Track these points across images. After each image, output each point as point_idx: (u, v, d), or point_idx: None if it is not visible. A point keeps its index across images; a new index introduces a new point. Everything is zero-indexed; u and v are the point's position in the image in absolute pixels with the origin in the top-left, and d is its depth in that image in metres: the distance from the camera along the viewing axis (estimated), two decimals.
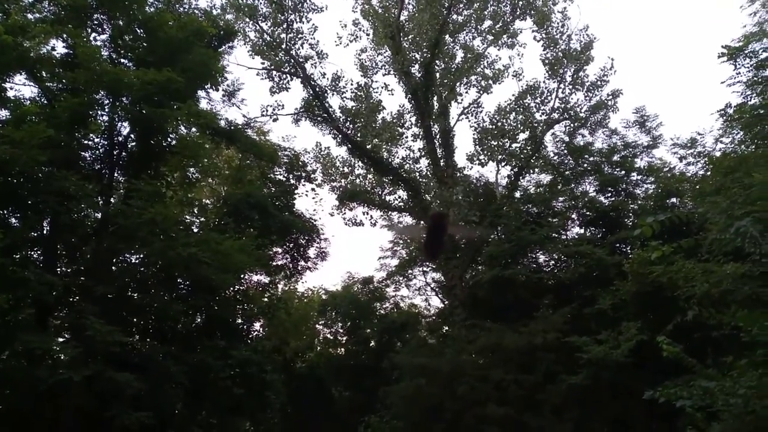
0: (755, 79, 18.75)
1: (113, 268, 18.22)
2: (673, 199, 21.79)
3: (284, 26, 25.34)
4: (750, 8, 20.05)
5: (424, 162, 26.31)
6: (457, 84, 26.24)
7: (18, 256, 16.08)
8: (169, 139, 19.03)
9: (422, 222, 26.75)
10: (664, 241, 11.73)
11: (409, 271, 30.20)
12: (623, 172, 23.07)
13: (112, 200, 18.34)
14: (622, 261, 18.58)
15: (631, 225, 21.25)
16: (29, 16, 17.35)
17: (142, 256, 18.28)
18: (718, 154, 20.30)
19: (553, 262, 23.57)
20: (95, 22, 18.15)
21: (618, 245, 21.31)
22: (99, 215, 17.90)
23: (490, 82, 26.43)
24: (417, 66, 25.71)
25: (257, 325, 24.76)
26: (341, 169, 27.02)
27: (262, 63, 25.80)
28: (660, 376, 12.74)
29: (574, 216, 23.66)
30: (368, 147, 26.12)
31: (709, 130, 21.28)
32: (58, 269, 17.50)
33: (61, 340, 16.47)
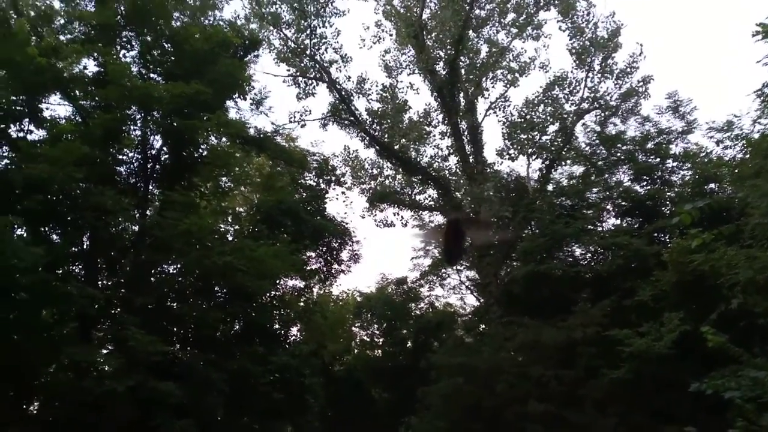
0: None
1: (152, 279, 18.63)
2: (712, 185, 21.13)
3: (308, 32, 25.55)
4: None
5: (453, 159, 26.21)
6: (483, 79, 26.04)
7: (60, 271, 16.55)
8: (200, 150, 19.40)
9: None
10: (703, 229, 11.39)
11: (443, 270, 30.06)
12: (658, 159, 22.47)
13: (147, 213, 18.77)
14: (661, 251, 18.10)
15: (669, 213, 20.70)
16: (61, 37, 17.89)
17: (179, 266, 18.64)
18: (756, 136, 19.61)
19: (589, 254, 23.08)
20: (124, 39, 18.61)
21: (656, 235, 20.77)
22: (136, 228, 18.34)
23: (517, 75, 26.16)
24: (441, 63, 25.61)
25: (294, 330, 25.03)
26: (370, 171, 27.10)
27: (288, 70, 26.11)
28: (705, 368, 12.38)
29: (609, 207, 23.13)
30: (396, 147, 26.13)
31: (746, 112, 20.55)
32: (99, 282, 17.97)
33: (104, 351, 16.92)
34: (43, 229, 16.69)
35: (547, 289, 20.76)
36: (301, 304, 24.79)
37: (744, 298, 12.37)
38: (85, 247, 17.52)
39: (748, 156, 19.29)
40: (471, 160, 25.25)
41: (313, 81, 26.25)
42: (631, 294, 18.35)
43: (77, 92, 17.93)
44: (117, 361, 14.89)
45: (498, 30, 26.23)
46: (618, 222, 23.09)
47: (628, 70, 24.76)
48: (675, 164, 22.60)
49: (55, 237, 17.04)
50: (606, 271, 20.43)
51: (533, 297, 21.20)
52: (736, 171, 19.36)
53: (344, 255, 26.21)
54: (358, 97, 26.26)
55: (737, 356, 11.19)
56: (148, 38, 18.65)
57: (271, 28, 25.29)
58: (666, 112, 22.91)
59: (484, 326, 24.82)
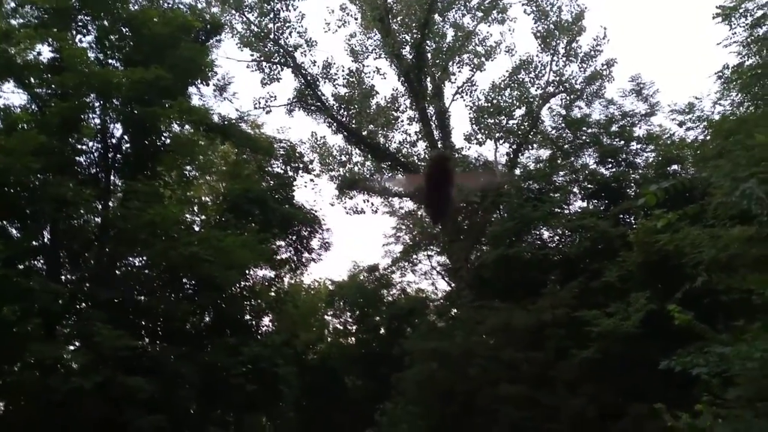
0: (751, 38, 18.47)
1: (117, 272, 18.17)
2: (675, 166, 21.57)
3: (271, 16, 25.00)
4: None
5: (421, 145, 26.11)
6: (450, 63, 25.95)
7: (21, 266, 16.00)
8: (163, 138, 18.91)
9: (424, 205, 26.65)
10: (668, 209, 11.58)
11: (414, 256, 30.11)
12: (622, 142, 22.83)
13: (110, 204, 18.24)
14: (626, 232, 18.43)
15: (634, 195, 21.07)
16: (12, 21, 17.11)
17: (144, 258, 18.21)
18: (717, 117, 20.05)
19: (557, 237, 23.39)
20: (79, 24, 17.95)
21: (622, 216, 21.13)
22: (98, 220, 17.80)
23: (483, 59, 26.14)
24: (408, 48, 25.42)
25: (266, 320, 24.79)
26: (338, 157, 26.83)
27: (252, 55, 25.52)
28: (672, 345, 12.64)
29: (575, 190, 23.45)
30: (364, 133, 25.92)
31: (707, 94, 21.03)
32: (63, 277, 17.45)
33: (70, 348, 16.46)
34: (0, 223, 16.07)
35: (517, 272, 20.98)
36: (272, 294, 24.53)
37: (708, 276, 12.64)
38: (46, 240, 16.95)
39: (709, 137, 19.73)
40: (439, 145, 25.21)
41: (278, 66, 25.78)
42: (599, 275, 18.66)
43: (32, 79, 17.23)
44: (84, 357, 14.52)
45: (464, 14, 26.14)
46: (584, 204, 23.43)
47: (592, 53, 25.01)
48: (639, 146, 22.99)
49: (14, 231, 16.42)
50: (574, 253, 20.73)
51: (503, 281, 21.41)
52: (699, 152, 19.78)
53: (314, 243, 26.03)
54: (324, 82, 25.92)
55: (703, 333, 11.46)
56: (105, 22, 18.02)
57: (234, 12, 24.67)
58: (630, 95, 23.25)
59: (455, 311, 24.98)
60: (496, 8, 25.73)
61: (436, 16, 25.50)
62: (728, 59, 18.30)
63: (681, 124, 21.97)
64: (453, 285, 26.81)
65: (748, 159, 13.45)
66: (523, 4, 25.22)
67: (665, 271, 16.26)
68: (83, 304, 17.17)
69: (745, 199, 10.53)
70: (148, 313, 18.31)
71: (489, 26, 26.20)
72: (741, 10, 19.41)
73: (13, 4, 17.38)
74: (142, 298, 18.69)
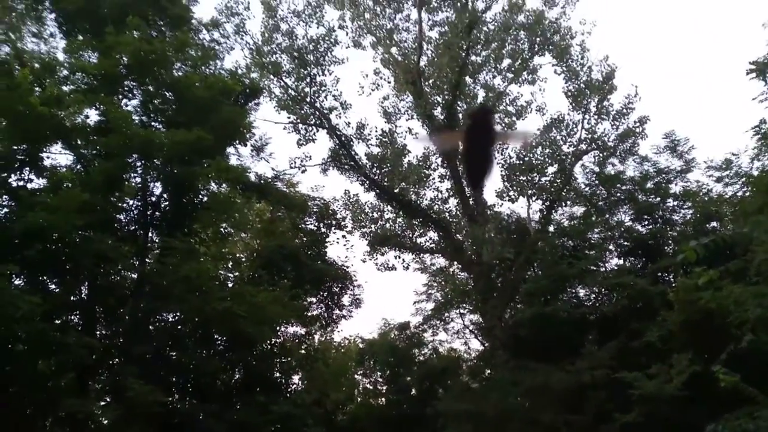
0: None
1: (150, 327, 18.35)
2: (713, 223, 21.12)
3: (308, 80, 25.95)
4: None
5: (452, 202, 26.22)
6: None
7: (58, 321, 16.30)
8: (200, 196, 19.40)
9: (455, 261, 26.45)
10: (708, 266, 11.27)
11: (446, 314, 29.62)
12: (658, 198, 22.53)
13: (147, 260, 18.63)
14: (666, 290, 17.93)
15: (672, 253, 20.60)
16: (64, 87, 18.14)
17: (178, 313, 18.39)
18: (756, 173, 19.69)
19: (593, 295, 22.89)
20: (126, 89, 18.85)
21: (660, 274, 20.63)
22: (135, 276, 18.15)
23: (514, 119, 26.45)
24: (439, 108, 25.93)
25: (296, 378, 24.52)
26: (370, 214, 27.07)
27: (288, 117, 26.37)
28: (719, 409, 12.06)
29: (611, 247, 23.07)
30: (396, 191, 26.19)
31: (744, 150, 20.70)
32: (97, 332, 17.69)
33: (102, 403, 16.49)
34: (41, 278, 16.52)
35: (553, 331, 20.47)
36: (303, 351, 24.37)
37: (755, 336, 12.13)
38: (83, 295, 17.32)
39: (748, 193, 19.32)
40: (471, 202, 25.26)
41: (314, 127, 26.53)
42: (638, 335, 18.07)
43: (78, 141, 18.04)
44: (114, 412, 14.49)
45: (494, 75, 26.68)
46: (621, 262, 22.99)
47: (624, 111, 25.07)
48: (675, 203, 22.64)
49: (53, 286, 16.84)
50: (611, 312, 20.20)
51: (539, 340, 20.87)
52: (738, 208, 19.36)
53: (345, 300, 25.95)
54: (358, 142, 26.51)
55: (752, 396, 10.91)
56: (150, 87, 18.90)
57: (272, 76, 25.71)
58: (664, 152, 23.10)
59: (490, 371, 24.31)
60: (527, 69, 26.21)
61: (467, 78, 26.08)
62: (765, 114, 18.12)
63: (719, 180, 21.61)
64: (487, 344, 26.19)
65: None
66: (553, 65, 25.67)
67: (708, 330, 15.65)
68: (116, 359, 17.30)
69: None
70: (179, 369, 18.32)
71: (520, 86, 26.64)
72: None
73: (65, 72, 18.48)
74: (174, 353, 18.76)
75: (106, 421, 15.63)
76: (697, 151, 24.25)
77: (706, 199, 21.82)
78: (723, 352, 13.54)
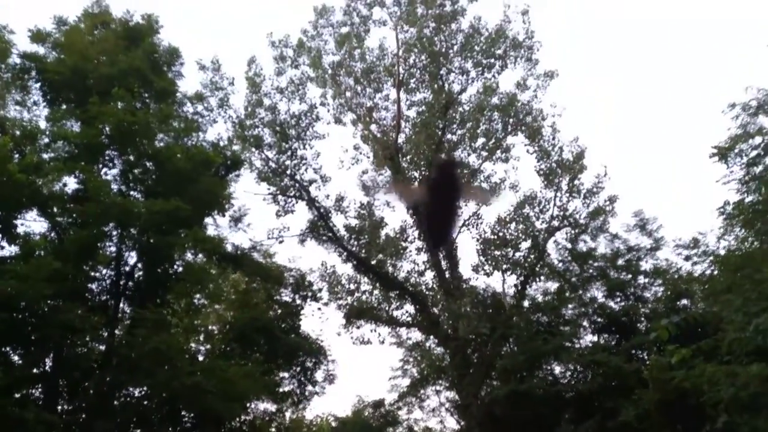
0: (748, 177, 19.18)
1: (115, 402, 17.60)
2: (684, 301, 21.49)
3: (288, 153, 26.41)
4: (731, 112, 21.04)
5: (429, 275, 26.25)
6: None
7: (18, 395, 15.60)
8: (175, 267, 19.19)
9: (432, 335, 26.23)
10: (680, 344, 11.41)
11: (422, 391, 29.03)
12: (630, 275, 22.95)
13: (117, 331, 18.13)
14: (640, 368, 17.97)
15: (645, 330, 20.80)
16: (44, 155, 18.18)
17: (145, 388, 17.73)
18: (722, 252, 20.30)
19: (569, 372, 22.77)
20: (107, 158, 18.97)
21: (634, 351, 20.73)
22: (103, 348, 17.61)
23: (488, 194, 27.04)
24: (416, 183, 26.45)
25: None
26: (347, 286, 26.91)
27: (268, 188, 26.61)
28: None
29: (585, 323, 23.21)
30: (373, 263, 26.22)
31: (710, 229, 21.42)
32: (59, 407, 16.92)
33: None
34: (3, 349, 15.92)
35: (529, 409, 20.19)
36: (273, 429, 23.48)
37: (729, 416, 12.15)
38: (47, 368, 16.66)
39: (717, 272, 19.82)
40: (447, 276, 25.35)
41: (293, 199, 26.74)
42: (614, 414, 17.92)
43: (55, 209, 17.92)
44: None
45: (469, 153, 27.47)
46: (595, 339, 23.07)
47: (595, 189, 25.83)
48: (646, 280, 23.06)
49: (16, 357, 16.21)
50: (587, 390, 20.09)
51: (515, 418, 20.54)
52: (707, 287, 19.78)
53: (319, 375, 25.33)
54: (336, 214, 26.73)
55: None
56: (131, 157, 19.05)
57: (253, 149, 26.11)
58: (634, 230, 23.75)
59: None
60: (500, 148, 27.09)
61: (443, 155, 26.81)
62: (728, 195, 18.87)
63: (687, 258, 22.21)
64: (462, 423, 25.59)
65: (758, 294, 13.45)
66: (526, 145, 26.58)
67: (684, 410, 15.66)
68: None
69: (759, 335, 10.42)
70: None
71: (494, 164, 27.42)
72: (736, 151, 20.37)
73: (47, 140, 18.59)
74: (139, 431, 17.95)
75: None
76: (666, 229, 24.96)
77: (676, 276, 22.29)
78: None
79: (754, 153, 17.87)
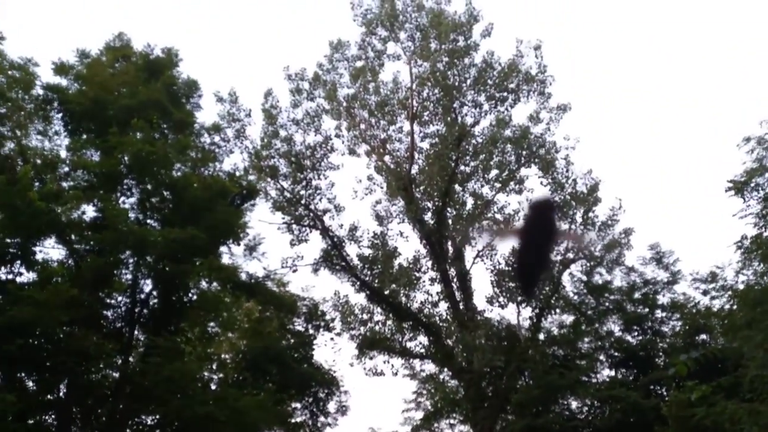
0: (765, 211, 19.02)
1: (128, 430, 17.51)
2: (703, 336, 21.17)
3: (303, 183, 26.69)
4: (746, 146, 20.98)
5: (443, 306, 26.09)
6: (470, 229, 26.83)
7: (32, 421, 15.59)
8: (190, 295, 19.26)
9: (445, 368, 25.90)
10: (700, 380, 11.19)
11: (435, 425, 28.63)
12: (647, 309, 22.72)
13: (131, 359, 18.15)
14: (659, 404, 17.62)
15: (663, 365, 20.46)
16: (64, 183, 18.50)
17: (158, 416, 17.65)
18: (741, 286, 20.02)
19: (586, 408, 22.38)
20: (125, 186, 19.25)
21: (652, 387, 20.38)
22: (117, 375, 17.60)
23: (502, 226, 26.99)
24: (430, 214, 26.53)
25: None
26: (360, 316, 26.80)
27: (283, 218, 26.82)
28: None
29: (602, 357, 22.91)
30: (386, 293, 26.14)
31: (728, 263, 21.15)
32: None
33: None
34: (18, 374, 15.97)
35: None
36: None
37: None
38: (61, 394, 16.67)
39: (735, 306, 19.51)
40: (461, 307, 25.18)
41: (307, 228, 26.91)
42: None
43: (73, 236, 18.14)
44: None
45: (482, 184, 27.54)
46: (612, 373, 22.71)
47: (609, 222, 25.70)
48: (664, 314, 22.79)
49: (30, 383, 16.25)
50: (605, 426, 19.72)
51: None
52: (726, 321, 19.46)
53: (331, 407, 25.09)
54: (350, 243, 26.81)
55: None
56: (149, 186, 19.30)
57: (269, 179, 26.42)
58: (650, 263, 23.59)
59: None
60: (514, 180, 27.14)
61: (457, 186, 26.93)
62: (745, 229, 18.70)
63: (705, 293, 21.93)
64: None
65: None
66: (539, 177, 26.61)
67: None
68: None
69: None
70: None
71: (507, 195, 27.42)
72: (752, 185, 20.23)
73: (67, 169, 18.95)
74: None
75: None
76: (682, 263, 24.73)
77: (694, 311, 22.00)
78: None
79: None
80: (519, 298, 25.52)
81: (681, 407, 15.27)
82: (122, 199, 19.33)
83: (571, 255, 25.64)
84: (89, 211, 18.71)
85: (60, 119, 20.54)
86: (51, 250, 18.39)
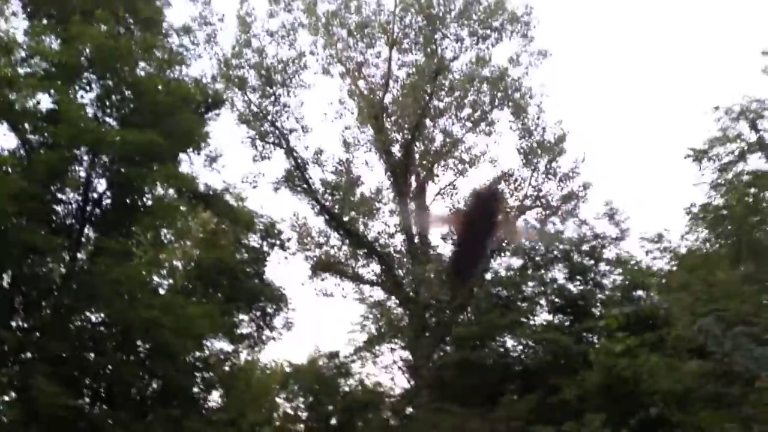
0: (718, 181, 19.64)
1: (71, 326, 17.62)
2: (640, 292, 22.11)
3: (272, 99, 26.07)
4: (715, 114, 21.33)
5: (399, 238, 26.56)
6: (435, 166, 26.95)
7: None
8: (145, 199, 18.98)
9: (393, 296, 26.66)
10: (630, 334, 11.86)
11: (377, 348, 29.64)
12: (592, 261, 23.49)
13: (79, 255, 18.02)
14: (588, 351, 18.60)
15: (599, 315, 21.44)
16: (20, 70, 17.59)
17: (102, 316, 17.78)
18: (683, 250, 20.88)
19: (520, 347, 23.45)
20: (84, 80, 18.42)
21: (585, 334, 21.38)
22: (63, 271, 17.51)
23: (467, 166, 27.23)
24: (398, 146, 26.47)
25: (215, 395, 23.88)
26: (317, 239, 27.09)
27: (248, 132, 26.33)
28: None
29: (542, 302, 23.80)
30: (345, 219, 26.36)
31: (675, 227, 21.96)
32: (13, 323, 16.89)
33: (6, 399, 15.68)
34: None
35: (477, 377, 20.85)
36: (226, 368, 23.83)
37: (662, 407, 12.76)
38: (4, 283, 16.55)
39: (674, 269, 20.42)
40: (416, 241, 25.66)
41: (271, 146, 26.57)
42: (557, 391, 18.61)
43: (26, 125, 17.46)
44: (14, 412, 13.81)
45: (454, 122, 27.48)
46: (550, 318, 23.72)
47: (570, 174, 26.18)
48: (607, 268, 23.64)
49: None
50: (535, 365, 20.76)
51: (463, 384, 21.19)
52: (663, 282, 20.41)
53: (278, 322, 25.63)
54: (314, 166, 26.69)
55: None
56: (110, 83, 18.52)
57: (237, 90, 25.69)
58: (602, 218, 24.21)
59: (411, 410, 24.41)
60: (485, 121, 27.13)
61: (428, 121, 26.79)
62: (697, 197, 19.33)
63: (648, 252, 22.78)
64: (412, 383, 26.34)
65: (708, 296, 13.97)
66: (510, 121, 26.66)
67: (622, 395, 16.31)
68: (29, 355, 16.51)
69: (702, 335, 10.89)
70: (94, 373, 17.63)
71: (476, 136, 27.53)
72: (710, 155, 20.75)
73: (23, 54, 17.96)
74: (92, 355, 18.05)
75: (5, 419, 14.86)
76: (633, 221, 25.53)
77: (635, 268, 22.89)
78: (634, 418, 14.17)
79: (727, 159, 18.30)
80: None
81: (607, 356, 16.20)
82: (80, 93, 18.50)
83: (528, 202, 26.17)
84: (45, 102, 17.97)
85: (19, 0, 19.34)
86: (2, 138, 17.75)
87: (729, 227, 16.50)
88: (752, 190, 16.61)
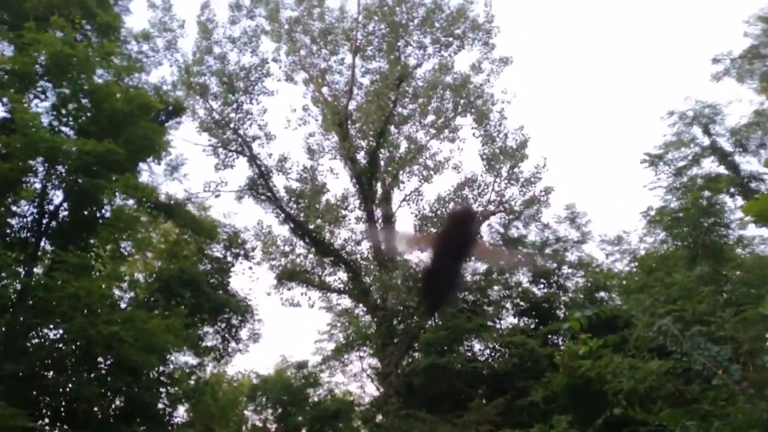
0: (674, 185, 20.30)
1: (28, 344, 17.00)
2: (602, 294, 22.65)
3: (234, 106, 25.78)
4: (669, 119, 22.09)
5: (365, 245, 26.50)
6: (400, 172, 27.05)
7: None
8: (103, 211, 18.48)
9: (361, 304, 26.59)
10: (593, 335, 12.07)
11: (346, 356, 29.59)
12: (555, 265, 23.96)
13: (36, 270, 17.41)
14: (554, 353, 18.91)
15: (563, 317, 21.86)
16: None
17: (61, 332, 17.20)
18: (642, 252, 21.50)
19: (488, 351, 23.73)
20: (39, 89, 17.90)
21: (550, 336, 21.76)
22: (19, 286, 16.89)
23: (432, 172, 27.38)
24: (363, 153, 26.45)
25: (181, 410, 23.34)
26: (282, 247, 26.80)
27: (209, 140, 25.96)
28: None
29: (508, 306, 24.15)
30: (311, 227, 26.19)
31: (633, 229, 22.61)
32: None
33: None
34: None
35: (446, 383, 20.96)
36: (192, 382, 23.33)
37: (626, 406, 13.00)
38: None
39: (634, 270, 20.98)
40: (383, 248, 25.64)
41: (234, 153, 26.23)
42: (525, 394, 18.87)
43: None
44: None
45: (418, 129, 27.62)
46: (516, 321, 24.07)
47: (532, 179, 26.55)
48: (570, 270, 24.17)
49: None
50: (502, 369, 21.01)
51: (432, 390, 21.29)
52: (624, 283, 20.94)
53: (244, 333, 25.25)
54: (278, 174, 26.44)
55: None
56: (66, 91, 18.02)
57: (198, 97, 25.32)
58: (564, 222, 24.76)
59: (381, 417, 24.36)
60: (448, 128, 27.36)
61: (392, 128, 26.87)
62: (654, 201, 19.97)
63: (609, 254, 23.39)
64: (381, 390, 26.29)
65: (666, 296, 14.37)
66: (473, 128, 26.94)
67: (588, 396, 16.60)
68: None
69: (661, 335, 11.17)
70: (54, 392, 17.02)
71: (440, 143, 27.71)
72: (666, 159, 21.43)
73: None
74: (51, 373, 17.44)
75: None
76: (593, 224, 26.19)
77: (597, 270, 23.45)
78: (599, 418, 14.43)
79: (682, 163, 18.95)
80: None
81: (572, 357, 16.49)
82: (35, 102, 17.98)
83: (492, 207, 26.48)
84: None
85: None
86: None
87: (685, 229, 17.00)
88: (706, 193, 17.17)
